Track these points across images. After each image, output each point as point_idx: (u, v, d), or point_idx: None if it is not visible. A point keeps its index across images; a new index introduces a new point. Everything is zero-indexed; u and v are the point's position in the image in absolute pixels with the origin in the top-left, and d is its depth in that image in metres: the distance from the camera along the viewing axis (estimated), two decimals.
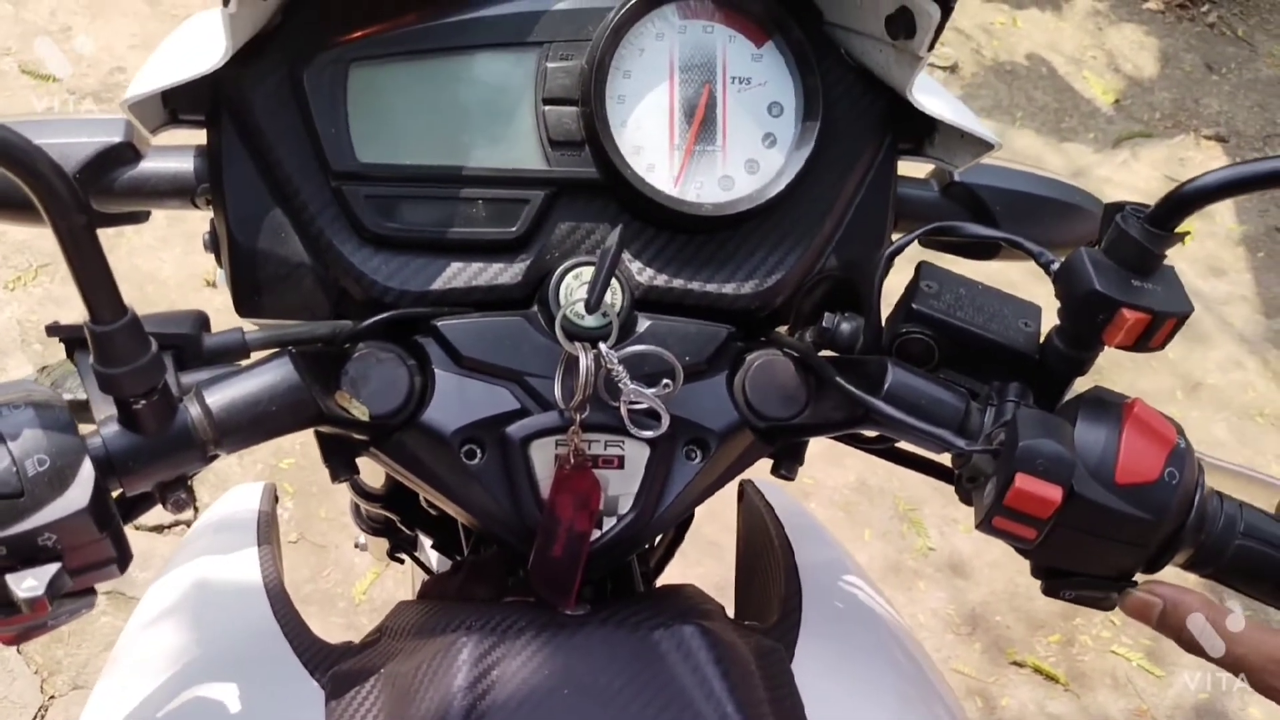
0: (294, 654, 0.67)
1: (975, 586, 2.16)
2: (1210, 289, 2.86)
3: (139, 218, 0.72)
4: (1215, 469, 0.73)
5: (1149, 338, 0.57)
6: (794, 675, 0.67)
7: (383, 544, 1.14)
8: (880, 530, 2.20)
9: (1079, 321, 0.59)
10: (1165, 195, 0.56)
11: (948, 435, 0.59)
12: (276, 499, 0.91)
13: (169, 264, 2.33)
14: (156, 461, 0.53)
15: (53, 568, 0.48)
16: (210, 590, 0.76)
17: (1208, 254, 2.96)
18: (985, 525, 0.58)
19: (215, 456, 0.56)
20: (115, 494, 0.53)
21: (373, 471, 0.94)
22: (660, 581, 0.85)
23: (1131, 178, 3.12)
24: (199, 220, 0.68)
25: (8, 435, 0.48)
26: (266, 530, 0.82)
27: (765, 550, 0.84)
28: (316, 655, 0.66)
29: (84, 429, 0.52)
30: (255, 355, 0.61)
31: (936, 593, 2.14)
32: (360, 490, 0.96)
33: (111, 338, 0.49)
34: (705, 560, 1.60)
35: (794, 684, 0.66)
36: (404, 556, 1.14)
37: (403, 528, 1.02)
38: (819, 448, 2.12)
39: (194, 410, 0.54)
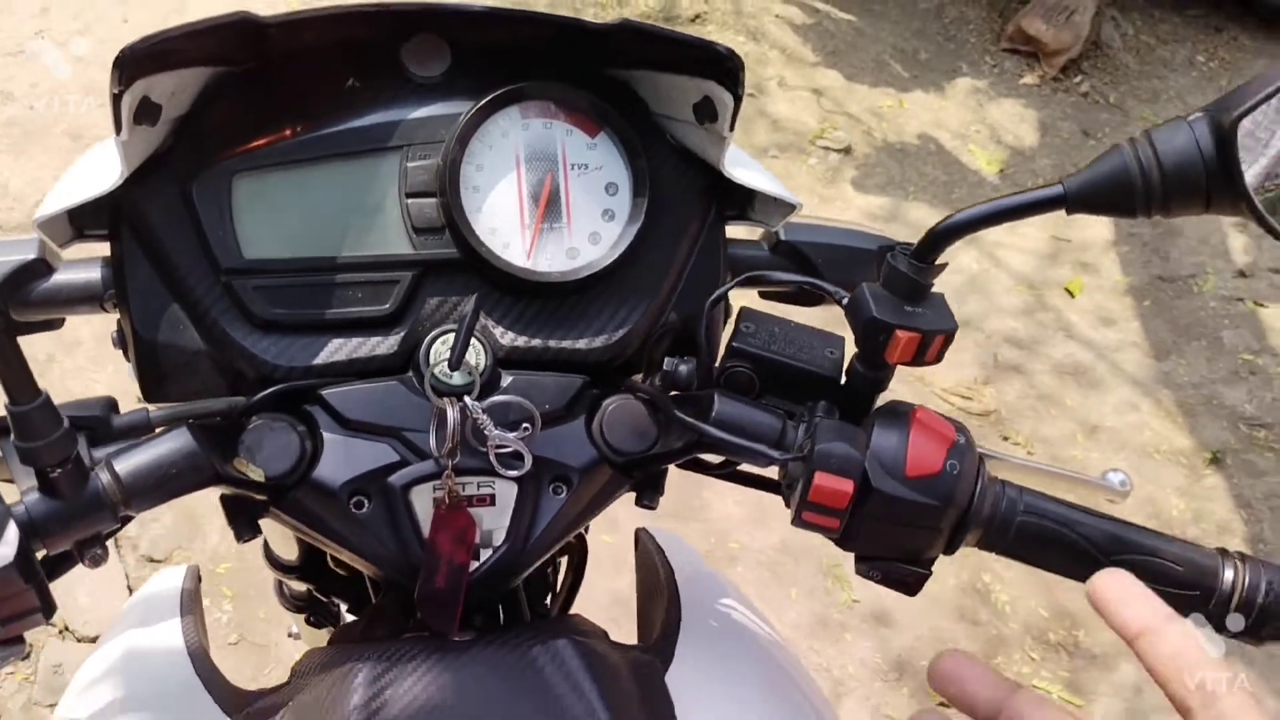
0: (213, 701, 0.74)
1: (899, 634, 2.25)
2: (1102, 338, 3.03)
3: (54, 324, 0.81)
4: (1014, 466, 0.84)
5: (923, 353, 0.68)
6: (668, 685, 0.75)
7: (316, 631, 1.21)
8: (806, 588, 2.28)
9: (866, 344, 0.69)
10: (925, 234, 0.68)
11: (764, 449, 0.69)
12: (199, 579, 0.98)
13: (101, 383, 2.39)
14: (73, 523, 0.61)
15: None
16: (137, 658, 0.83)
17: (1097, 305, 3.13)
18: (797, 520, 0.68)
19: (127, 517, 0.64)
20: (40, 555, 0.61)
21: (285, 544, 1.02)
22: None
23: (1021, 241, 3.31)
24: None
25: None
26: (190, 604, 0.89)
27: (655, 585, 0.93)
28: (233, 700, 0.73)
29: (9, 499, 0.60)
30: (159, 431, 0.69)
31: (863, 643, 2.22)
32: (277, 564, 1.04)
33: (28, 416, 0.58)
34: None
35: (666, 690, 0.74)
36: (327, 625, 1.20)
37: (320, 596, 1.09)
38: (743, 511, 2.26)
39: (104, 477, 0.62)
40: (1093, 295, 3.15)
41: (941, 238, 0.67)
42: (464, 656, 0.70)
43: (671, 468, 0.82)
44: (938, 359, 0.70)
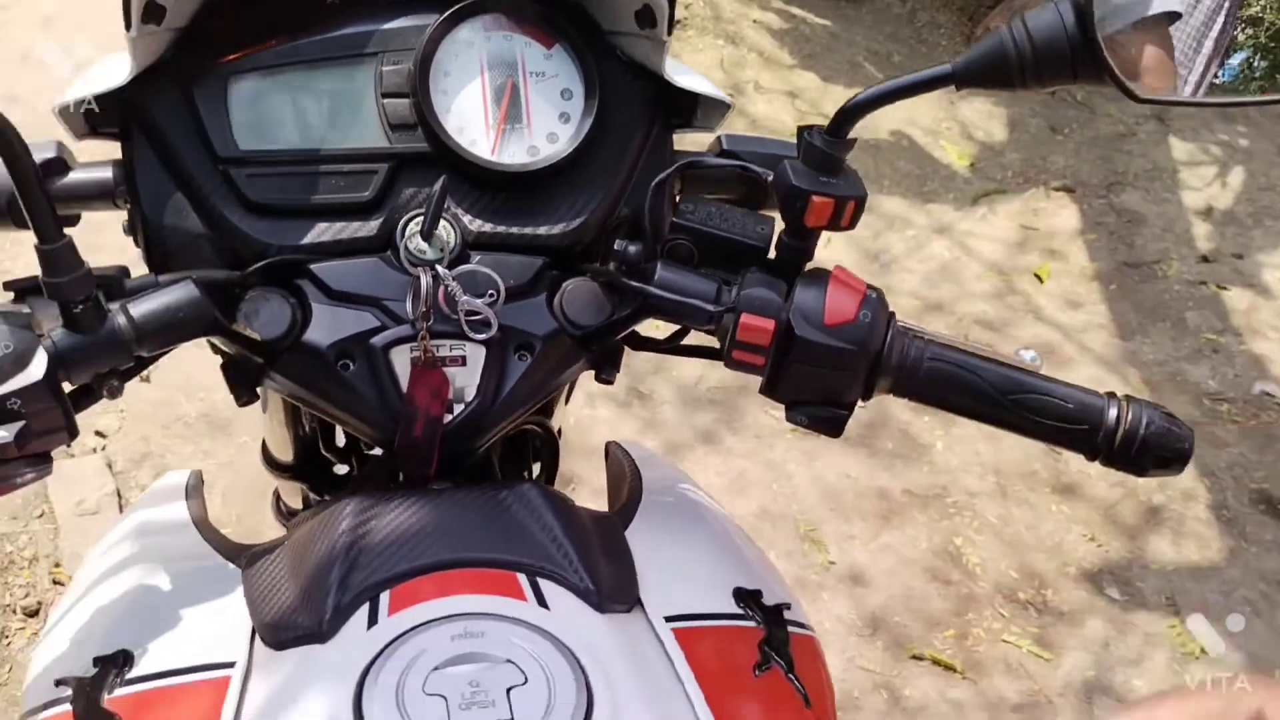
0: (215, 552, 0.83)
1: (874, 593, 2.34)
2: (1070, 319, 3.13)
3: (71, 221, 0.90)
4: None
5: (838, 217, 0.78)
6: (627, 537, 0.84)
7: None
8: (784, 550, 2.37)
9: (788, 212, 0.79)
10: (835, 112, 0.77)
11: (699, 303, 0.79)
12: (202, 480, 1.06)
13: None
14: (93, 356, 0.70)
15: (18, 425, 0.65)
16: (146, 532, 0.90)
17: (1065, 290, 3.24)
18: (728, 360, 0.78)
19: (140, 358, 0.73)
20: (66, 386, 0.70)
21: (282, 446, 1.11)
22: None
23: (990, 229, 3.42)
24: None
25: None
26: (194, 490, 0.98)
27: (622, 481, 1.02)
28: (234, 550, 0.82)
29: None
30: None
31: (839, 602, 2.31)
32: (275, 465, 1.13)
33: (56, 254, 0.67)
34: None
35: (626, 543, 0.83)
36: None
37: (315, 496, 1.18)
38: (723, 480, 2.35)
39: (120, 319, 0.71)
40: (1060, 280, 3.26)
41: (849, 114, 0.76)
42: (440, 498, 0.79)
43: (626, 353, 0.91)
44: (851, 224, 0.79)
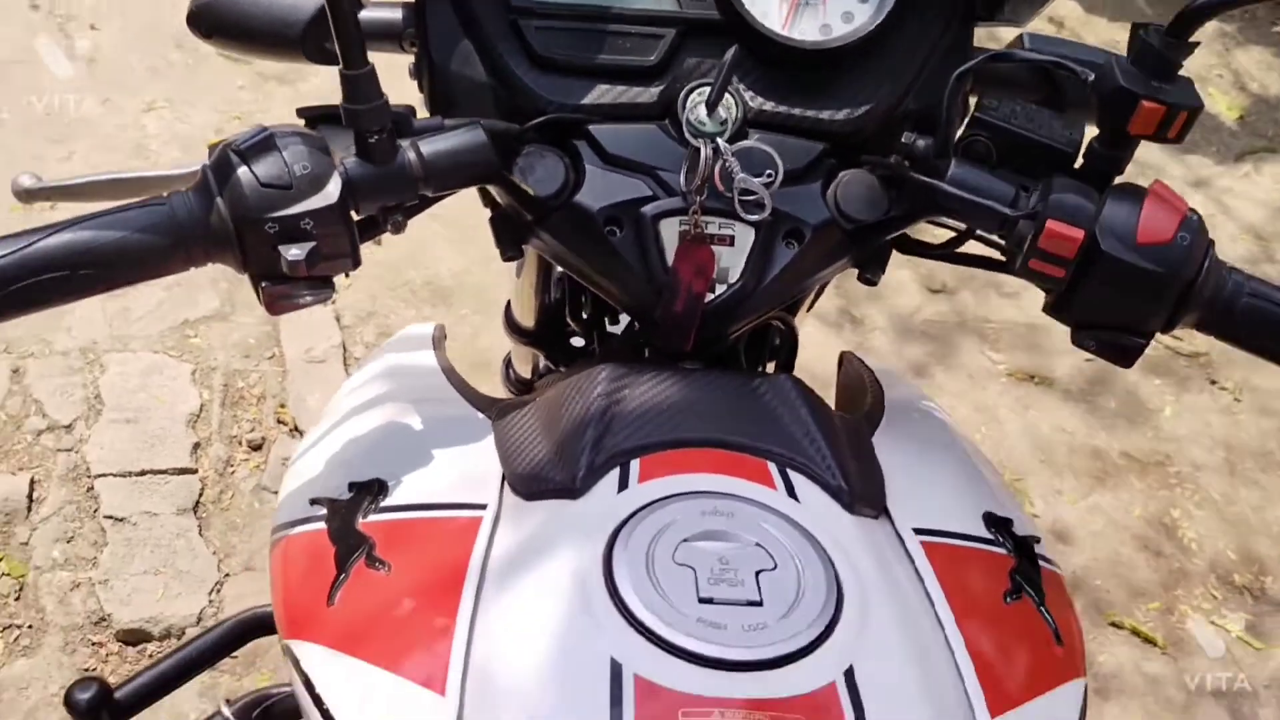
0: (466, 402, 0.84)
1: (1078, 552, 2.23)
2: None
3: None
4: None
5: (1166, 128, 0.70)
6: (874, 443, 0.81)
7: None
8: None
9: (1109, 116, 0.72)
10: (1180, 10, 0.70)
11: (996, 205, 0.73)
12: (445, 335, 1.08)
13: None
14: (382, 187, 0.70)
15: (310, 245, 0.66)
16: (395, 374, 0.92)
17: None
18: (1023, 268, 0.72)
19: (424, 197, 0.73)
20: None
21: (525, 311, 1.12)
22: None
23: (1253, 189, 3.14)
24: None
25: (281, 147, 0.67)
26: (439, 343, 0.99)
27: (859, 389, 0.98)
28: (484, 401, 0.83)
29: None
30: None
31: None
32: (516, 329, 1.14)
33: (357, 81, 0.68)
34: None
35: (872, 448, 0.80)
36: None
37: (550, 365, 1.20)
38: None
39: (410, 154, 0.71)
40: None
41: (1196, 15, 0.68)
42: (693, 376, 0.78)
43: (865, 293, 0.86)
44: (1179, 137, 0.72)
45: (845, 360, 1.06)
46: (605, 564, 0.62)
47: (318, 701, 0.65)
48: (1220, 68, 3.55)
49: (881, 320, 2.60)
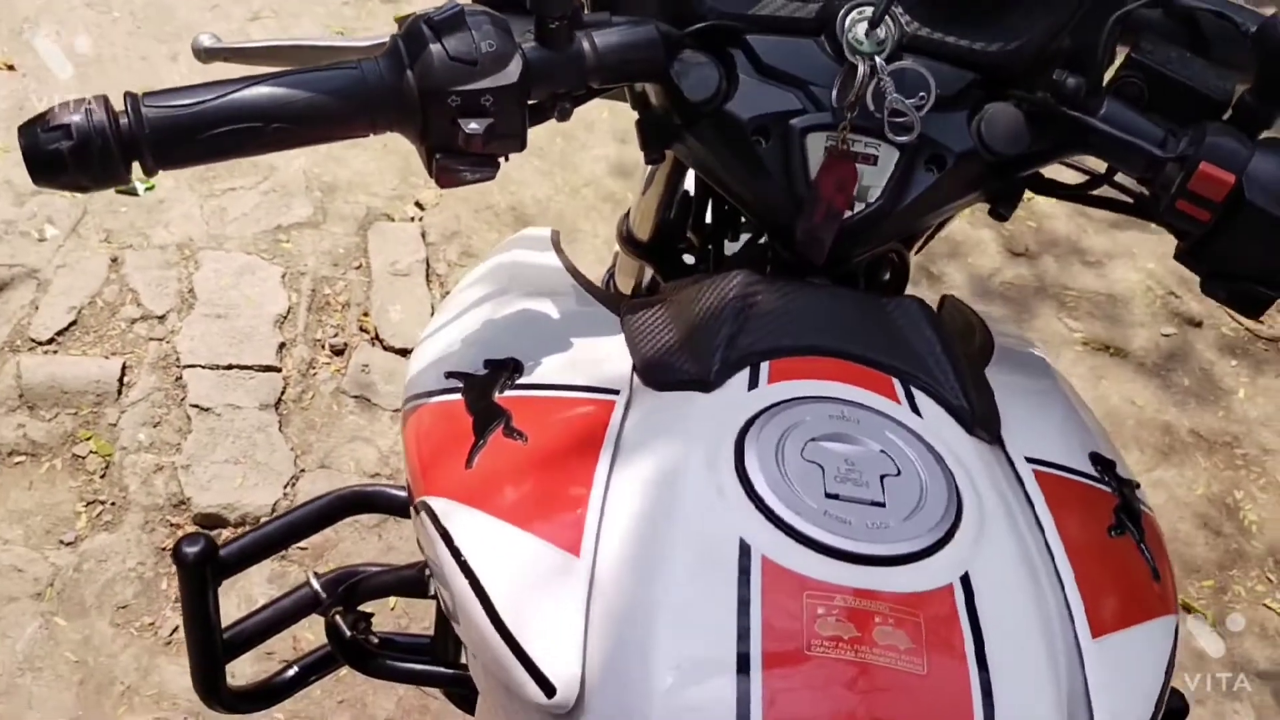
0: (593, 298, 0.87)
1: None
2: None
3: None
4: None
5: None
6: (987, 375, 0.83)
7: None
8: None
9: (1267, 71, 0.72)
10: None
11: (1146, 145, 0.74)
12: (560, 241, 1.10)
13: None
14: (555, 73, 0.72)
15: (488, 120, 0.69)
16: (519, 268, 0.95)
17: None
18: (1168, 209, 0.73)
19: (591, 88, 0.75)
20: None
21: (643, 225, 1.14)
22: None
23: None
24: None
25: (470, 24, 0.69)
26: (558, 244, 1.02)
27: (968, 330, 0.99)
28: (611, 299, 0.86)
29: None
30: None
31: None
32: (630, 240, 1.16)
33: None
34: None
35: (986, 379, 0.82)
36: None
37: (657, 279, 1.22)
38: None
39: (585, 43, 0.73)
40: None
41: None
42: (822, 290, 0.80)
43: (947, 254, 0.87)
44: None
45: (947, 302, 1.07)
46: (737, 453, 0.65)
47: (455, 554, 0.67)
48: None
49: (959, 279, 2.60)
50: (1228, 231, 0.72)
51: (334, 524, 0.99)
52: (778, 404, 0.69)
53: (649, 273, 1.23)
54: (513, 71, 0.69)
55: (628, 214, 1.19)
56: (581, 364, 0.78)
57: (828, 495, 0.63)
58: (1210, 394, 2.48)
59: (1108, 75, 0.81)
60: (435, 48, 0.68)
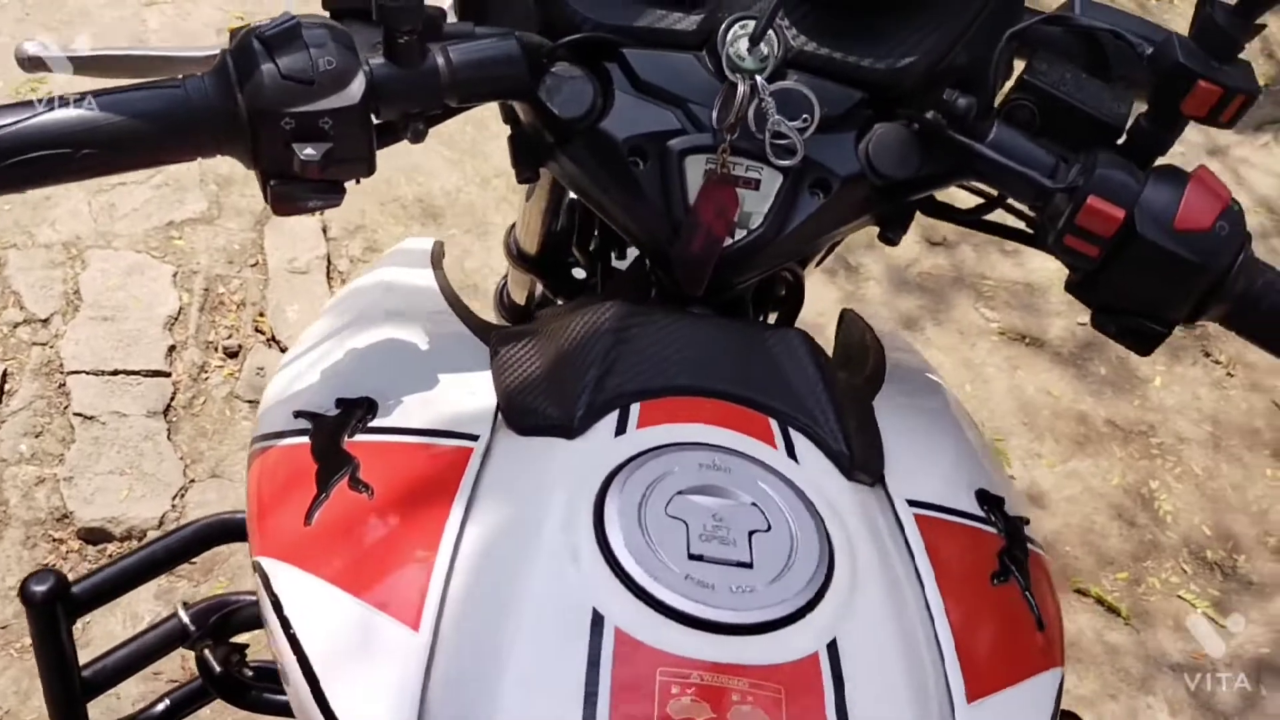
0: (464, 325, 0.81)
1: (1050, 517, 2.23)
2: None
3: None
4: None
5: (1220, 111, 0.67)
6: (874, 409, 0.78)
7: None
8: None
9: (1163, 94, 0.68)
10: None
11: (1035, 175, 0.70)
12: (443, 251, 1.03)
13: None
14: (407, 92, 0.66)
15: (326, 145, 0.62)
16: (393, 288, 0.88)
17: None
18: (1056, 244, 0.69)
19: (447, 108, 0.69)
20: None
21: (529, 239, 1.08)
22: None
23: (1271, 161, 3.11)
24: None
25: (307, 39, 0.62)
26: (438, 260, 0.95)
27: (859, 349, 0.95)
28: (482, 327, 0.80)
29: None
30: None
31: None
32: (517, 254, 1.10)
33: None
34: None
35: (872, 411, 0.78)
36: None
37: (546, 293, 1.16)
38: None
39: (439, 59, 0.66)
40: None
41: None
42: (701, 322, 0.75)
43: (863, 244, 0.83)
44: (1231, 122, 0.69)
45: (847, 318, 1.03)
46: (596, 510, 0.60)
47: (285, 625, 0.62)
48: None
49: (877, 270, 2.57)
50: (1119, 265, 0.68)
51: (200, 554, 0.93)
52: (645, 452, 0.65)
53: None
54: (354, 91, 0.63)
55: (514, 226, 1.12)
56: (442, 404, 0.72)
57: (691, 556, 0.59)
58: (1126, 383, 2.49)
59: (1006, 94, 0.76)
60: (267, 66, 0.61)
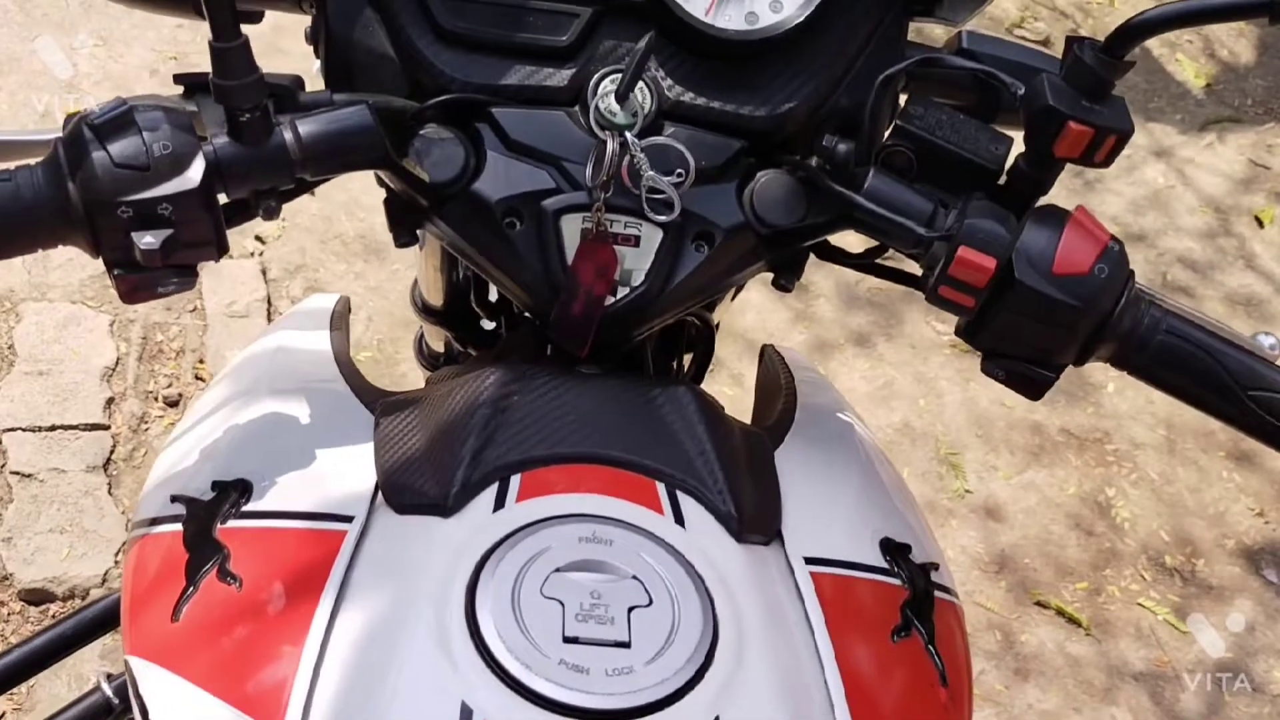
0: (352, 393, 0.78)
1: (1008, 530, 2.22)
2: None
3: (253, 18, 0.83)
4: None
5: (1093, 152, 0.66)
6: (776, 460, 0.76)
7: None
8: (919, 470, 2.27)
9: (1035, 135, 0.67)
10: (1117, 27, 0.65)
11: (911, 224, 0.68)
12: (349, 307, 1.01)
13: None
14: (254, 170, 0.64)
15: (166, 232, 0.60)
16: (286, 353, 0.86)
17: None
18: (932, 295, 0.67)
19: (302, 181, 0.67)
20: (220, 199, 0.64)
21: (433, 290, 1.06)
22: None
23: (1216, 160, 3.12)
24: None
25: (141, 124, 0.60)
26: (339, 321, 0.93)
27: (774, 390, 0.94)
28: (371, 395, 0.78)
29: None
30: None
31: (968, 531, 2.20)
32: (424, 307, 1.08)
33: (228, 54, 0.61)
34: None
35: (773, 463, 0.76)
36: None
37: (457, 346, 1.14)
38: (869, 387, 2.24)
39: (287, 134, 0.64)
40: None
41: (1133, 33, 0.64)
42: (588, 384, 0.73)
43: (810, 260, 0.82)
44: (1107, 161, 0.67)
45: (766, 355, 1.02)
46: (468, 595, 0.58)
47: None
48: (1190, 34, 3.51)
49: (827, 287, 2.56)
50: (999, 312, 0.67)
51: (113, 630, 0.90)
52: (523, 528, 0.62)
53: None
54: (193, 175, 0.60)
55: (416, 280, 1.10)
56: (319, 483, 0.70)
57: (566, 639, 0.57)
58: (1079, 390, 2.48)
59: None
60: (99, 154, 0.59)
